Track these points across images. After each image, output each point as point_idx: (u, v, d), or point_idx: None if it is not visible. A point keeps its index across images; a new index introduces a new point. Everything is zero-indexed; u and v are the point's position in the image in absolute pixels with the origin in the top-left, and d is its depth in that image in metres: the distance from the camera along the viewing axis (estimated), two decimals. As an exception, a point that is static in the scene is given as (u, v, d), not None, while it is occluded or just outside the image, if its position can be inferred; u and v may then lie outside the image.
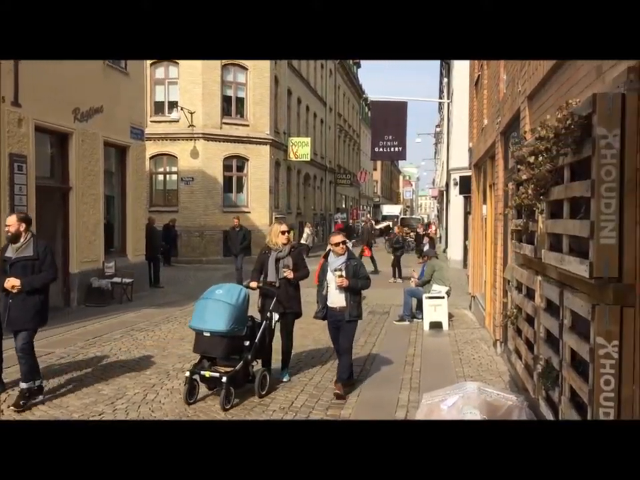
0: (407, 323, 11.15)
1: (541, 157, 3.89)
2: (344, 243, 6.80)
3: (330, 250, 6.91)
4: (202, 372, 6.18)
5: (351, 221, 35.38)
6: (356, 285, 6.64)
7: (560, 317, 3.80)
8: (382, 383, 7.21)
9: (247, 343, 6.43)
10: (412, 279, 11.84)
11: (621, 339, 3.03)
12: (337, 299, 6.67)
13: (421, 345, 9.44)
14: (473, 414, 4.73)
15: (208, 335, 6.13)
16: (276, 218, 25.45)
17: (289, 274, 6.93)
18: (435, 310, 10.80)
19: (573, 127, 3.30)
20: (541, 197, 4.16)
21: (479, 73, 11.58)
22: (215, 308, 6.16)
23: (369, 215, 54.02)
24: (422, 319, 10.94)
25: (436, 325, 10.71)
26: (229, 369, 6.18)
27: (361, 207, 54.65)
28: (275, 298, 6.86)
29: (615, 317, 3.04)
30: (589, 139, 3.18)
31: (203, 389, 6.42)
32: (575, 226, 3.42)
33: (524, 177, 4.53)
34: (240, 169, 24.94)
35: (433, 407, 5.22)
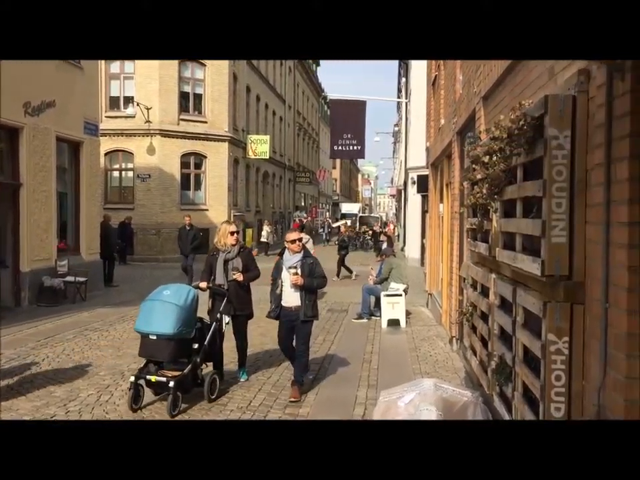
0: (365, 320, 11.22)
1: (495, 157, 3.96)
2: (300, 240, 6.69)
3: (285, 248, 6.79)
4: (148, 377, 5.91)
5: (309, 219, 35.39)
6: (311, 284, 6.50)
7: (513, 314, 3.87)
8: (340, 380, 7.23)
9: (196, 346, 6.22)
10: (370, 277, 11.92)
11: (571, 336, 3.11)
12: (291, 298, 6.53)
13: (379, 342, 9.51)
14: (430, 410, 4.78)
15: (154, 337, 5.87)
16: (235, 216, 25.27)
17: (239, 276, 6.73)
18: (392, 307, 10.90)
19: (525, 127, 3.37)
20: (495, 196, 4.24)
21: (436, 73, 11.73)
22: (162, 309, 5.89)
23: (327, 214, 54.14)
24: (380, 316, 11.02)
25: (394, 323, 10.81)
26: (176, 373, 5.95)
27: (320, 205, 54.74)
28: (225, 299, 6.69)
29: (565, 314, 3.11)
30: (541, 140, 3.25)
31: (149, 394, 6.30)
32: (528, 225, 3.49)
33: (479, 176, 4.60)
34: (198, 166, 24.64)
35: (390, 404, 5.26)
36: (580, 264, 3.10)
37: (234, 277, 6.72)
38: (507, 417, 4.03)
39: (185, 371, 5.99)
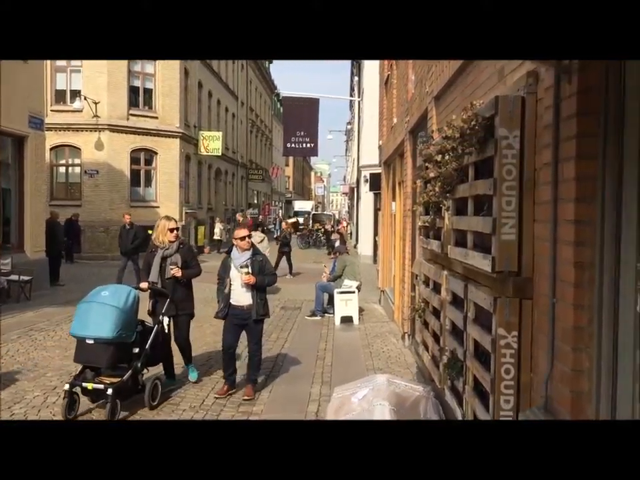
0: (318, 317, 11.26)
1: (447, 156, 4.04)
2: (249, 237, 6.52)
3: (233, 245, 6.57)
4: (84, 384, 5.53)
5: (261, 217, 35.22)
6: (263, 281, 6.39)
7: (464, 310, 3.96)
8: (294, 378, 7.24)
9: (137, 350, 5.88)
10: (323, 275, 11.97)
11: (520, 330, 3.20)
12: (242, 297, 6.36)
13: (332, 339, 9.56)
14: (383, 405, 4.84)
15: (91, 342, 5.50)
16: (187, 213, 24.94)
17: (177, 272, 6.41)
18: (346, 304, 10.98)
19: (477, 127, 3.45)
20: (447, 195, 4.32)
21: (389, 72, 11.85)
22: (100, 312, 5.54)
23: (280, 212, 54.03)
24: (333, 313, 11.08)
25: (347, 320, 10.89)
26: (115, 380, 5.60)
27: (273, 202, 54.59)
28: (167, 299, 6.38)
29: (514, 309, 3.20)
30: (491, 139, 3.33)
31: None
32: (479, 222, 3.57)
33: (431, 174, 4.68)
34: (148, 162, 24.18)
35: (344, 400, 5.30)
36: (528, 260, 3.19)
37: (172, 272, 6.41)
38: (458, 411, 4.11)
39: (124, 377, 5.65)
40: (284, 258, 18.00)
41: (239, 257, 6.40)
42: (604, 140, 2.51)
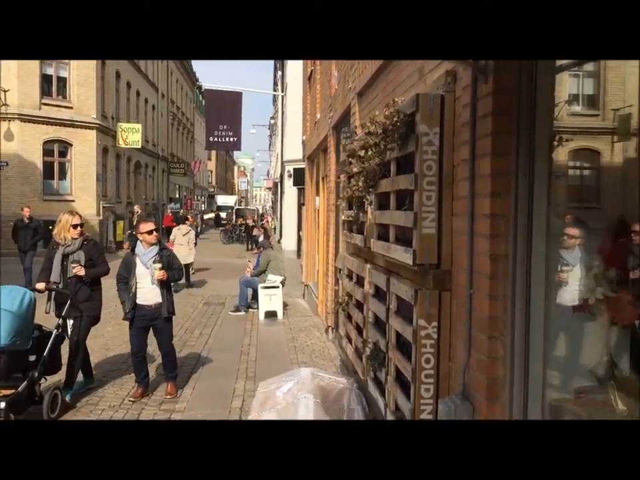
0: (242, 313, 11.19)
1: (370, 151, 4.11)
2: (157, 230, 6.17)
3: (138, 241, 6.16)
4: None
5: (182, 211, 34.47)
6: (173, 277, 6.13)
7: (387, 302, 4.05)
8: (217, 373, 7.17)
9: (33, 358, 5.33)
10: (247, 270, 11.90)
11: (439, 321, 3.32)
12: (150, 296, 6.02)
13: (257, 334, 9.53)
14: (307, 398, 4.89)
15: None
16: (104, 207, 24.07)
17: (79, 270, 5.90)
18: (270, 299, 10.96)
19: (398, 123, 3.53)
20: (370, 189, 4.40)
21: (312, 68, 11.91)
22: None
23: (203, 206, 53.19)
24: (257, 308, 11.04)
25: (271, 314, 10.88)
26: (8, 392, 5.01)
27: (196, 197, 53.64)
28: (68, 301, 5.82)
29: (434, 301, 3.31)
30: (412, 136, 3.42)
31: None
32: (400, 217, 3.67)
33: (355, 169, 4.75)
34: (63, 154, 23.12)
35: (269, 394, 5.31)
36: (447, 253, 3.31)
37: (74, 271, 5.91)
38: (380, 401, 4.21)
39: (19, 389, 5.08)
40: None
41: (146, 252, 6.04)
42: (517, 137, 2.63)
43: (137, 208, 24.02)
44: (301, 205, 18.67)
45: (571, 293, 2.94)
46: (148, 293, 6.03)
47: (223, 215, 43.22)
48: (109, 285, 6.66)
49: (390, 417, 3.91)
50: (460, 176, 3.13)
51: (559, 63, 2.67)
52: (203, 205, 55.88)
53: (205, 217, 35.17)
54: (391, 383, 3.92)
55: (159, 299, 6.05)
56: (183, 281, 14.18)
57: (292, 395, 5.12)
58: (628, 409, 2.37)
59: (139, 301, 6.02)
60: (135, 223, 20.84)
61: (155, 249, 6.07)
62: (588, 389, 2.68)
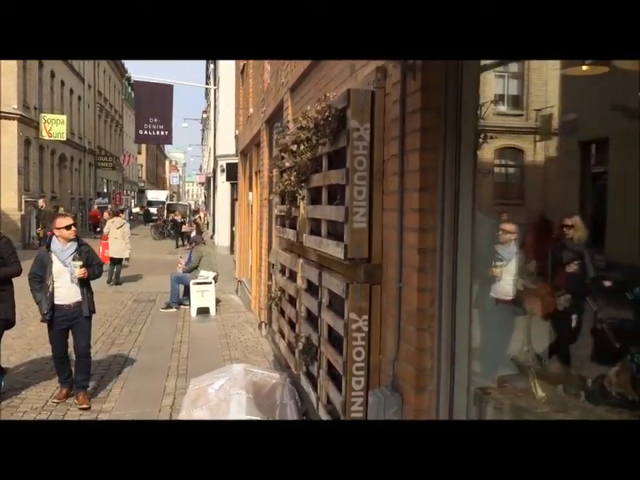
0: (173, 309, 10.98)
1: (302, 146, 4.11)
2: (75, 225, 5.88)
3: (53, 236, 5.83)
4: None
5: (110, 206, 33.34)
6: (93, 273, 5.83)
7: (319, 297, 4.07)
8: (147, 372, 7.00)
9: None
10: (179, 266, 11.68)
11: (370, 314, 3.36)
12: (69, 295, 5.69)
13: (189, 331, 9.38)
14: (240, 394, 4.85)
15: None
16: (27, 202, 23.01)
17: None
18: (202, 295, 10.81)
19: (330, 118, 3.55)
20: (303, 184, 4.41)
21: (245, 62, 11.79)
22: None
23: (133, 201, 51.75)
24: (189, 305, 10.86)
25: (203, 311, 10.73)
26: None
27: (125, 192, 52.13)
28: None
29: (365, 294, 3.35)
30: (344, 131, 3.45)
31: None
32: (332, 211, 3.69)
33: (287, 164, 4.74)
34: (-20, 145, 21.95)
35: (201, 391, 5.24)
36: (378, 247, 3.36)
37: None
38: (312, 395, 4.23)
39: None
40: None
41: (64, 249, 5.71)
42: (444, 134, 2.70)
43: (41, 202, 23.03)
44: (234, 200, 18.49)
45: (505, 286, 3.04)
46: (67, 292, 5.70)
47: (154, 210, 42.21)
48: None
49: (322, 411, 3.93)
50: (390, 171, 3.18)
51: (484, 62, 2.76)
52: (132, 200, 54.39)
53: (133, 211, 33.97)
54: (322, 377, 3.95)
55: (79, 298, 5.73)
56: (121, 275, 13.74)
57: (224, 392, 5.07)
58: (547, 395, 2.49)
59: (57, 301, 5.67)
60: (41, 218, 19.86)
61: (74, 245, 5.76)
62: (511, 378, 2.79)
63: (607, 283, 4.39)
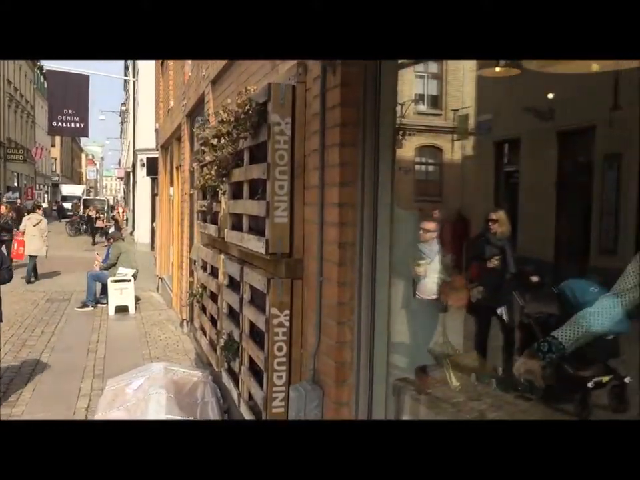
0: (90, 308, 10.57)
1: (223, 140, 4.05)
2: None
3: None
4: None
5: (19, 202, 31.60)
6: (3, 278, 5.41)
7: (240, 292, 4.03)
8: (61, 374, 6.71)
9: None
10: (96, 263, 11.26)
11: (291, 309, 3.36)
12: None
13: (106, 330, 9.06)
14: (159, 393, 4.73)
15: None
16: None
17: None
18: (120, 293, 10.47)
19: (251, 112, 3.51)
20: (224, 178, 4.34)
21: (165, 53, 11.49)
22: None
23: (46, 196, 49.44)
24: (107, 303, 10.50)
25: (122, 309, 10.40)
26: None
27: (38, 186, 49.67)
28: None
29: (286, 289, 3.35)
30: (265, 125, 3.42)
31: None
32: (253, 206, 3.66)
33: (208, 158, 4.66)
34: None
35: (118, 391, 5.07)
36: (299, 242, 3.36)
37: None
38: (234, 391, 4.19)
39: None
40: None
41: None
42: (363, 129, 2.73)
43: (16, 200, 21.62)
44: (154, 196, 18.01)
45: (430, 284, 3.11)
46: None
47: (68, 205, 40.49)
48: None
49: (243, 407, 3.90)
50: (311, 165, 3.18)
51: (401, 60, 2.81)
52: (46, 195, 51.94)
53: (43, 205, 32.20)
54: (244, 373, 3.92)
55: None
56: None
57: (143, 391, 4.93)
58: (461, 384, 2.58)
59: None
60: None
61: None
62: (427, 368, 2.87)
63: (534, 279, 4.58)
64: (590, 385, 3.70)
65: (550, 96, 8.41)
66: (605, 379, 3.73)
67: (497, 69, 4.71)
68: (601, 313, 2.14)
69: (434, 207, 5.02)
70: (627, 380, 3.75)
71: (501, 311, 4.23)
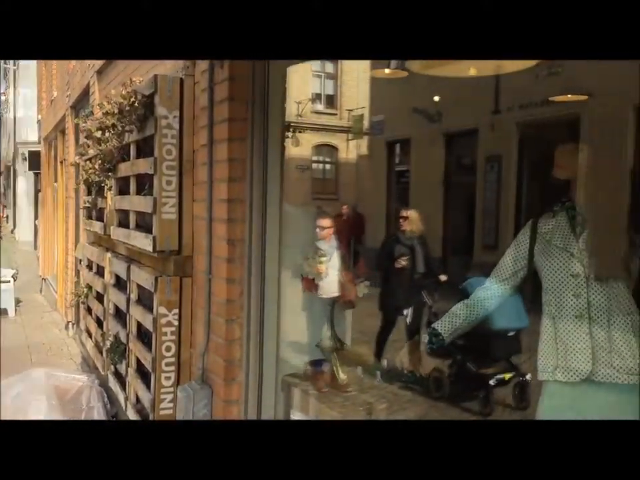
0: (-38, 313, 9.79)
1: (107, 133, 3.88)
2: None
3: None
4: None
5: None
6: None
7: (127, 292, 3.88)
8: None
9: None
10: (-30, 263, 10.43)
11: (180, 307, 3.27)
12: None
13: (-18, 335, 8.42)
14: (39, 400, 4.47)
15: None
16: None
17: None
18: (-2, 296, 9.78)
19: (136, 104, 3.38)
20: (109, 173, 4.16)
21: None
22: None
23: None
24: (-18, 307, 9.77)
25: (0, 312, 9.71)
26: None
27: None
28: None
29: (175, 287, 3.26)
30: (152, 118, 3.31)
31: None
32: (140, 202, 3.53)
33: (91, 152, 4.45)
34: None
35: (-7, 401, 4.73)
36: (188, 239, 3.28)
37: None
38: (121, 395, 4.03)
39: None
40: None
41: None
42: (252, 125, 2.71)
43: None
44: (37, 192, 16.96)
45: (331, 283, 3.09)
46: None
47: None
48: None
49: (130, 411, 3.76)
50: (200, 161, 3.12)
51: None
52: None
53: None
54: (131, 375, 3.77)
55: None
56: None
57: (22, 399, 4.63)
58: (348, 377, 2.63)
59: None
60: None
61: None
62: (317, 363, 2.89)
63: (443, 278, 4.69)
64: (492, 382, 3.86)
65: (436, 98, 8.78)
66: (507, 375, 3.90)
67: (387, 71, 4.84)
68: (475, 304, 2.25)
69: (332, 204, 5.04)
70: (528, 377, 3.94)
71: (407, 311, 4.32)
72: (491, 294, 2.25)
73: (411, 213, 4.64)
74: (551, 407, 2.17)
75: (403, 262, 4.32)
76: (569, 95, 5.89)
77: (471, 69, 2.70)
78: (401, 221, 4.61)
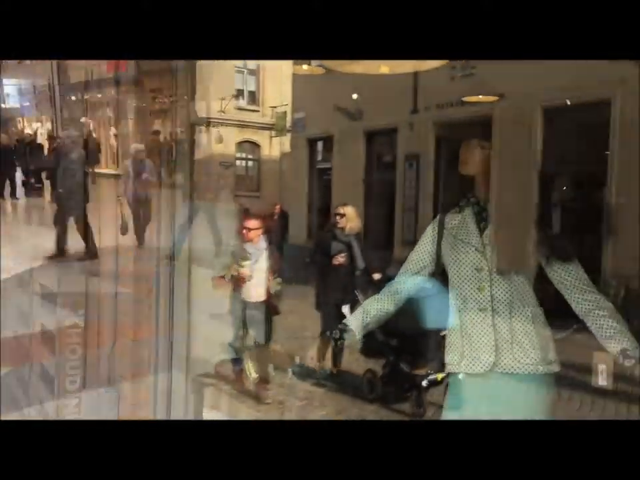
0: None
1: None
2: None
3: None
4: None
5: None
6: None
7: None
8: None
9: None
10: None
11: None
12: None
13: None
14: None
15: None
16: None
17: None
18: None
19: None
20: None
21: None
22: None
23: None
24: None
25: None
26: None
27: None
28: None
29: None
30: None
31: None
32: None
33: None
34: None
35: None
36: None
37: None
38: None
39: None
40: None
41: None
42: (162, 120, 2.62)
43: None
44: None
45: (258, 287, 2.98)
46: None
47: None
48: None
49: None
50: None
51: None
52: None
53: None
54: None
55: None
56: None
57: None
58: (259, 376, 2.60)
59: None
60: None
61: None
62: (229, 362, 2.85)
63: (377, 276, 4.60)
64: (425, 383, 3.81)
65: (355, 96, 8.90)
66: (440, 376, 3.83)
67: (305, 67, 4.83)
68: (385, 299, 2.26)
69: (254, 201, 4.98)
70: (460, 377, 3.90)
71: (346, 308, 4.22)
72: (400, 288, 2.27)
73: (348, 210, 4.48)
74: (458, 398, 2.21)
75: (340, 259, 4.21)
76: (480, 96, 6.10)
77: (382, 67, 2.73)
78: (337, 217, 4.46)
